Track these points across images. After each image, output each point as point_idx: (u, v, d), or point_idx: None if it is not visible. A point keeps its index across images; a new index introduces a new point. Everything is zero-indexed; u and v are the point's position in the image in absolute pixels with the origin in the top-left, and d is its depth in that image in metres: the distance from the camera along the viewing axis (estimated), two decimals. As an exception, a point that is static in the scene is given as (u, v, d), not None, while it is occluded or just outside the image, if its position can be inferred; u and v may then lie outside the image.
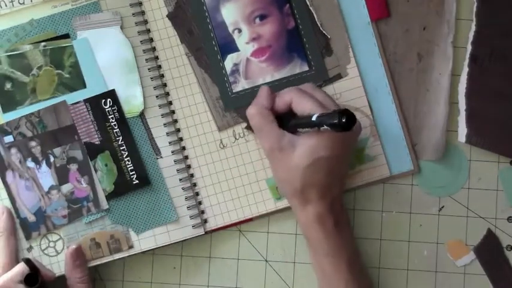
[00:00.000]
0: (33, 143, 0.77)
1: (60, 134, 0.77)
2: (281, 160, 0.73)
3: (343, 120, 0.65)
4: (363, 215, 0.81)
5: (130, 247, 0.78)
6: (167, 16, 0.79)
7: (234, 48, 0.80)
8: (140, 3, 0.79)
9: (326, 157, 0.71)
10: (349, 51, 0.80)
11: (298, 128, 0.73)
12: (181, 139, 0.79)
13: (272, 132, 0.73)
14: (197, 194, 0.79)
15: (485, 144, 0.80)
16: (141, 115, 0.79)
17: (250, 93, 0.79)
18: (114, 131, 0.78)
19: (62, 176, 0.77)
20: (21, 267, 0.73)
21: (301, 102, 0.73)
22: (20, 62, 0.77)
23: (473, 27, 0.81)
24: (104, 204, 0.77)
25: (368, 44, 0.81)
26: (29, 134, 0.77)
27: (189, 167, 0.79)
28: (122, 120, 0.78)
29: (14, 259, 0.76)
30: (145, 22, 0.79)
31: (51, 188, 0.77)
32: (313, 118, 0.69)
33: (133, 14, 0.79)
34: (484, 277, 0.81)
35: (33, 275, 0.72)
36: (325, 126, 0.67)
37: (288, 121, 0.74)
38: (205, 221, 0.79)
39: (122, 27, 0.78)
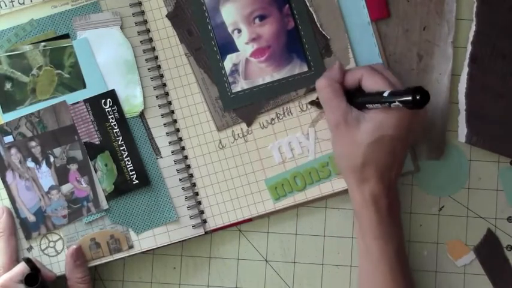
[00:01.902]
0: (33, 143, 0.77)
1: (60, 134, 0.77)
2: (345, 135, 0.72)
3: (418, 97, 0.65)
4: (362, 215, 0.81)
5: (130, 247, 0.78)
6: (167, 16, 0.79)
7: (234, 49, 0.79)
8: (140, 3, 0.79)
9: (390, 136, 0.71)
10: (349, 52, 0.80)
11: (367, 104, 0.72)
12: (180, 139, 0.79)
13: (340, 106, 0.73)
14: (197, 194, 0.79)
15: (485, 144, 0.80)
16: (141, 115, 0.79)
17: (250, 94, 0.79)
18: (114, 131, 0.78)
19: (62, 176, 0.77)
20: (21, 267, 0.73)
21: (372, 79, 0.73)
22: (20, 62, 0.77)
23: (473, 27, 0.81)
24: (104, 204, 0.77)
25: (368, 44, 0.80)
26: (29, 134, 0.77)
27: (188, 167, 0.79)
28: (122, 120, 0.78)
29: (14, 259, 0.76)
30: (145, 22, 0.79)
31: (51, 188, 0.77)
32: (385, 94, 0.69)
33: (133, 14, 0.79)
34: (484, 277, 0.81)
35: (34, 275, 0.72)
36: (397, 103, 0.67)
37: (354, 97, 0.74)
38: (205, 221, 0.80)
39: (121, 27, 0.78)
